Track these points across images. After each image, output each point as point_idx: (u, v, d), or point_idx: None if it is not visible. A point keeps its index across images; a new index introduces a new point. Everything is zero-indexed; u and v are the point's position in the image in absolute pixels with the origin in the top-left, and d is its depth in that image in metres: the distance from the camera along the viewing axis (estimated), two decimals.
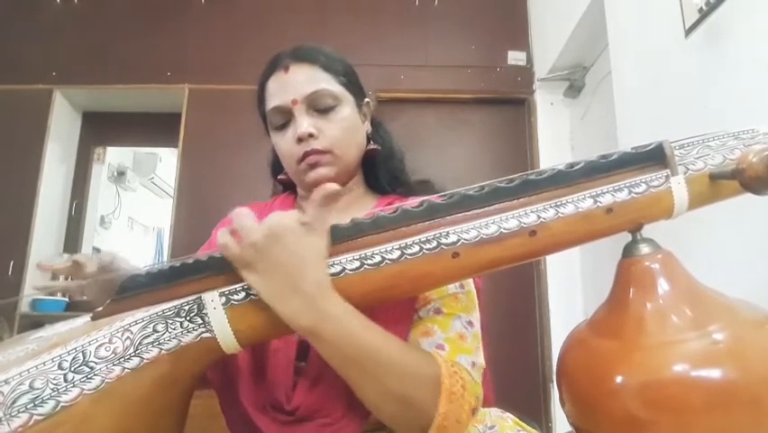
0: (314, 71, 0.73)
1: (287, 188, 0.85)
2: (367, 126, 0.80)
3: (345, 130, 0.73)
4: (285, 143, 0.73)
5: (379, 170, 0.80)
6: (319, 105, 0.72)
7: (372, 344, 0.51)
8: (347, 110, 0.74)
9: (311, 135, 0.70)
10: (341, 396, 0.62)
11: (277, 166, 0.83)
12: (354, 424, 0.63)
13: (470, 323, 0.64)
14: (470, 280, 0.68)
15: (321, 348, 0.51)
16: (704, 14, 1.19)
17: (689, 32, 1.26)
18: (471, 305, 0.66)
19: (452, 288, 0.65)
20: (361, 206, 0.77)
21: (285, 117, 0.73)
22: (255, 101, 0.79)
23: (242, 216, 0.50)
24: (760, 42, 1.04)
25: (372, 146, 0.79)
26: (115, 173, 3.51)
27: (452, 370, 0.55)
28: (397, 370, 0.51)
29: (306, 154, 0.71)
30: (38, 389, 0.45)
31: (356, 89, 0.77)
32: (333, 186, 0.52)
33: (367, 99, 0.80)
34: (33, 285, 0.67)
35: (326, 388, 0.62)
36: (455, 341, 0.61)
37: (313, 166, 0.71)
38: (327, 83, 0.73)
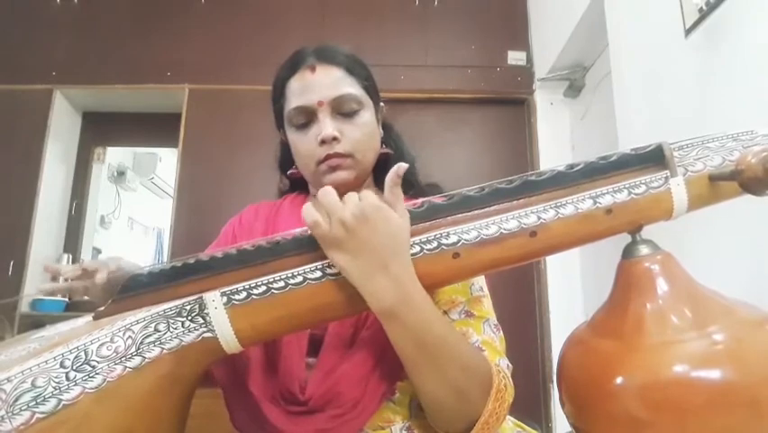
0: (340, 74, 0.74)
1: (294, 185, 0.86)
2: (380, 129, 0.81)
3: (366, 135, 0.74)
4: (305, 143, 0.73)
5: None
6: (343, 109, 0.73)
7: (443, 332, 0.52)
8: (368, 115, 0.75)
9: (335, 139, 0.71)
10: (353, 387, 0.63)
11: (285, 162, 0.84)
12: (364, 415, 0.63)
13: (496, 326, 0.66)
14: (485, 284, 0.69)
15: (394, 330, 0.51)
16: (704, 14, 1.19)
17: (689, 32, 1.26)
18: (491, 308, 0.67)
19: (475, 291, 0.67)
20: None
21: (307, 117, 0.73)
22: (271, 94, 0.79)
23: (329, 194, 0.50)
24: (760, 42, 1.04)
25: (386, 150, 0.80)
26: (115, 173, 3.50)
27: (497, 369, 0.56)
28: (460, 362, 0.53)
29: (328, 157, 0.71)
30: (40, 387, 0.45)
31: (375, 94, 0.78)
32: (405, 165, 0.52)
33: (382, 104, 0.81)
34: (38, 286, 0.67)
35: (339, 379, 0.63)
36: (490, 344, 0.62)
37: (334, 169, 0.72)
38: (352, 87, 0.74)
